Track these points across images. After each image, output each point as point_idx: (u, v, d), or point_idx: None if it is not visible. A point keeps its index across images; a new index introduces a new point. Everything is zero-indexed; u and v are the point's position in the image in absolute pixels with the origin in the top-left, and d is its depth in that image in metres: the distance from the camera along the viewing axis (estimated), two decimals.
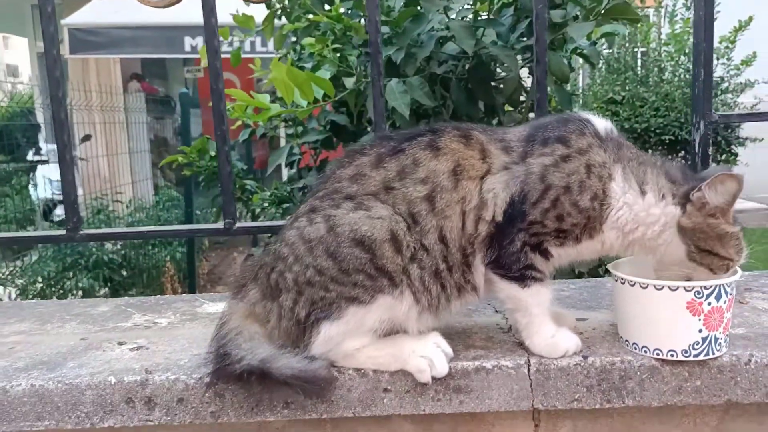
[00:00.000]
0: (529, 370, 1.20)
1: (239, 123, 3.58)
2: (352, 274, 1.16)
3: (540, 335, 1.22)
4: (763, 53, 6.98)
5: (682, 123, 7.23)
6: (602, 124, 1.26)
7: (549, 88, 3.15)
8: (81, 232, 1.55)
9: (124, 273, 5.62)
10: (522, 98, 3.01)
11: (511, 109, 3.05)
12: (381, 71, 1.39)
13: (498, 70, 3.04)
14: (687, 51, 7.19)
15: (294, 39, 3.27)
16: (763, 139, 7.03)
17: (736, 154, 7.01)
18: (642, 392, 1.20)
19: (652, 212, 1.20)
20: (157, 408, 1.23)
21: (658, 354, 1.19)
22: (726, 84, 7.05)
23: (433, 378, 1.19)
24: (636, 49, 7.90)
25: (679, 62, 7.35)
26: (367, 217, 1.18)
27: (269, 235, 3.48)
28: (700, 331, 1.16)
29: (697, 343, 1.16)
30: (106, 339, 1.46)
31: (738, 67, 6.93)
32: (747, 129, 7.07)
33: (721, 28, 6.96)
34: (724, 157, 6.83)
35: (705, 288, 1.14)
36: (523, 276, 1.21)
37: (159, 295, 1.80)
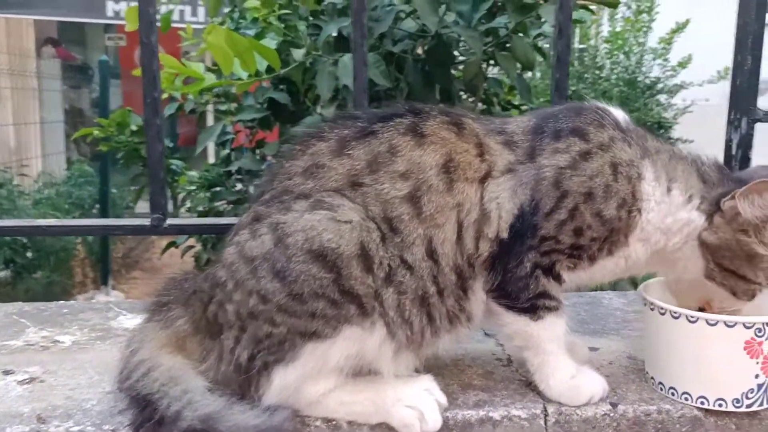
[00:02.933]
0: (546, 422, 0.95)
1: (165, 96, 3.22)
2: (309, 300, 0.87)
3: (557, 377, 0.98)
4: (696, 57, 7.08)
5: None
6: (620, 114, 1.03)
7: (508, 77, 2.93)
8: None
9: (29, 255, 5.07)
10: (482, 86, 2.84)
11: (466, 96, 2.85)
12: (364, 33, 1.10)
13: (455, 53, 2.84)
14: (626, 50, 7.20)
15: (230, 9, 2.95)
16: (693, 140, 7.16)
17: None
18: None
19: (679, 216, 0.97)
20: None
21: (702, 403, 0.96)
22: (661, 85, 7.11)
23: None
24: (573, 45, 7.90)
25: (618, 61, 7.36)
26: (330, 220, 0.89)
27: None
28: (757, 376, 0.94)
29: (752, 390, 0.95)
30: None
31: (674, 68, 7.00)
32: (677, 129, 7.15)
33: (659, 30, 7.03)
34: None
35: (767, 325, 0.92)
36: (534, 306, 0.96)
37: (62, 301, 1.45)
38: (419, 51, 2.79)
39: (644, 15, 6.81)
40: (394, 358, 0.94)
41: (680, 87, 6.89)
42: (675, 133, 7.24)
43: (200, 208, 3.11)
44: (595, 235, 0.96)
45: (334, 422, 0.93)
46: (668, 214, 0.97)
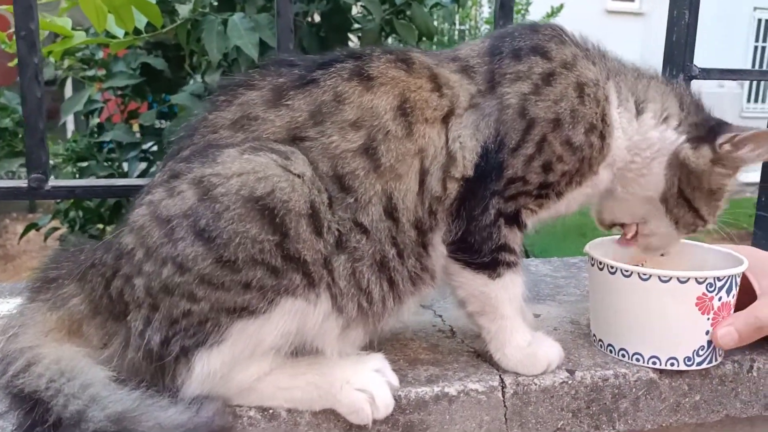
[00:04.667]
0: (504, 395, 0.88)
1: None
2: (243, 268, 0.73)
3: (514, 344, 0.91)
4: None
5: None
6: (575, 31, 0.97)
7: (407, 46, 2.87)
8: None
9: None
10: None
11: None
12: None
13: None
14: None
15: None
16: None
17: None
18: (636, 413, 0.94)
19: (649, 136, 0.93)
20: None
21: (654, 363, 0.93)
22: None
23: (374, 420, 0.82)
24: (454, 26, 8.01)
25: None
26: (280, 168, 0.76)
27: (58, 200, 2.81)
28: (708, 332, 0.92)
29: (703, 347, 0.93)
30: None
31: None
32: None
33: (535, 13, 7.29)
34: None
35: (718, 279, 0.90)
36: (495, 261, 0.89)
37: None
38: (311, 18, 2.65)
39: None
40: (341, 336, 0.83)
41: None
42: None
43: None
44: (566, 168, 0.89)
45: (271, 411, 0.80)
46: (636, 133, 0.93)
